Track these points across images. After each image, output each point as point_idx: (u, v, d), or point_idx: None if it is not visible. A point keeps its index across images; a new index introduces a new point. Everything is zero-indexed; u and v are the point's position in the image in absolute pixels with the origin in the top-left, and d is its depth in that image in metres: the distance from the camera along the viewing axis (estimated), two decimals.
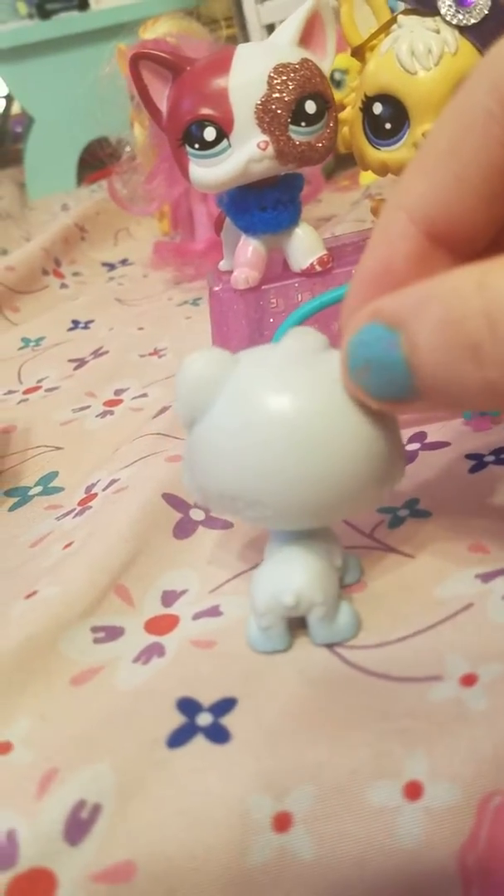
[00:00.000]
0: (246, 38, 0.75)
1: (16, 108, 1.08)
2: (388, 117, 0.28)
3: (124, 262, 0.65)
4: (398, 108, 0.28)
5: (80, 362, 0.48)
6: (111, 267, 0.65)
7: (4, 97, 1.06)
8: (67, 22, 0.86)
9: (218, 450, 0.22)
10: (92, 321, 0.54)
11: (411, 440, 0.32)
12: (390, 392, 0.19)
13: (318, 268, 0.31)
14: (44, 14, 0.88)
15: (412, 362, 0.17)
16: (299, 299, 0.32)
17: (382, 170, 0.29)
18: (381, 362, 0.18)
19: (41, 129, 0.88)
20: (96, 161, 0.87)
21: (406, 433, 0.32)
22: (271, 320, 0.32)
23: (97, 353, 0.49)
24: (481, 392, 0.17)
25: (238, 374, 0.22)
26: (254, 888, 0.18)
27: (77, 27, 0.85)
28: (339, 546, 0.24)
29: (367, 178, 0.69)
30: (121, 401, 0.42)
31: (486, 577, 0.23)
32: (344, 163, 0.72)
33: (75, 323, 0.54)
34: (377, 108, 0.28)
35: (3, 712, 0.22)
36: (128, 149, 0.69)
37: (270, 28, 0.72)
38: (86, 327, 0.54)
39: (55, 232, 0.64)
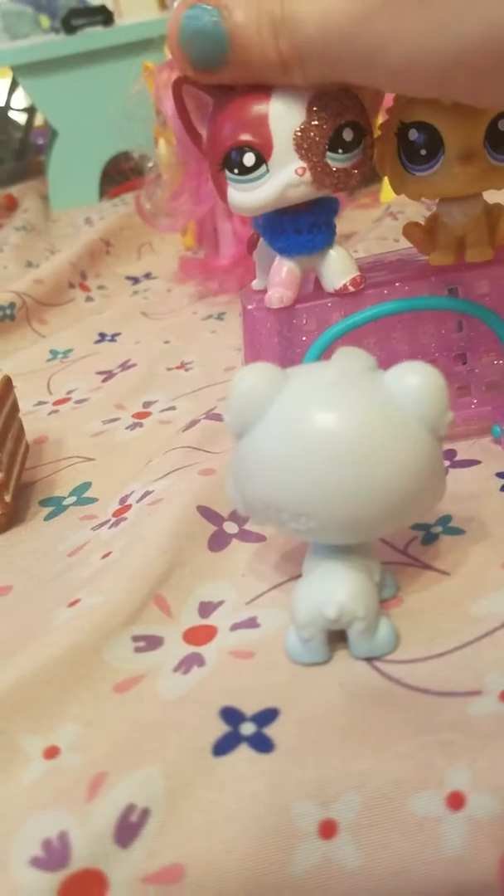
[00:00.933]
0: None
1: (38, 121, 1.10)
2: (424, 143, 0.29)
3: (148, 276, 0.66)
4: (434, 134, 0.29)
5: (109, 374, 0.49)
6: (135, 281, 0.65)
7: (27, 110, 1.08)
8: (92, 37, 0.88)
9: (266, 461, 0.22)
10: (119, 334, 0.55)
11: None
12: (209, 61, 0.25)
13: (351, 288, 0.32)
14: (69, 29, 0.89)
15: (231, 34, 0.24)
16: (334, 317, 0.33)
17: (417, 194, 0.30)
18: (207, 34, 0.24)
19: (65, 142, 0.89)
20: (119, 174, 0.89)
21: None
22: (304, 339, 0.33)
23: (125, 366, 0.49)
24: (276, 64, 0.25)
25: (289, 390, 0.23)
26: (299, 893, 0.18)
27: (101, 42, 0.87)
28: (377, 562, 0.24)
29: (387, 195, 0.70)
30: (149, 413, 0.43)
31: None
32: (365, 180, 0.73)
33: (102, 335, 0.55)
34: (412, 135, 0.29)
35: (51, 718, 0.23)
36: (150, 164, 0.70)
37: None
38: (112, 340, 0.54)
39: (81, 246, 0.65)
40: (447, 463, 0.32)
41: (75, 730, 0.22)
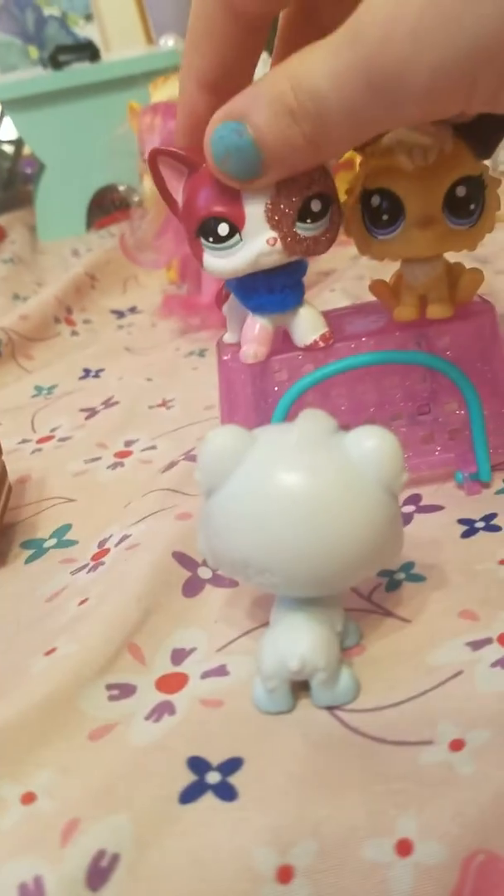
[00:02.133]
0: None
1: (26, 150, 1.11)
2: (385, 209, 0.30)
3: (133, 309, 0.68)
4: (394, 200, 0.30)
5: (92, 412, 0.50)
6: (120, 315, 0.67)
7: (14, 142, 1.09)
8: (79, 73, 0.90)
9: (232, 519, 0.24)
10: (102, 370, 0.56)
11: (407, 502, 0.34)
12: (249, 172, 0.26)
13: (321, 344, 0.33)
14: (56, 65, 0.91)
15: (258, 141, 0.25)
16: (305, 369, 0.34)
17: (380, 256, 0.32)
18: (236, 147, 0.25)
19: (52, 174, 0.91)
20: (107, 205, 0.90)
21: (401, 495, 0.35)
22: (276, 388, 0.35)
23: (108, 403, 0.51)
24: (306, 146, 0.25)
25: (256, 450, 0.24)
26: None
27: (88, 78, 0.89)
28: (341, 611, 0.26)
29: None
30: (131, 452, 0.44)
31: (476, 645, 0.25)
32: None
33: (86, 371, 0.57)
34: (375, 201, 0.30)
35: (27, 765, 0.24)
36: (136, 198, 0.71)
37: None
38: (97, 376, 0.56)
39: (67, 281, 0.67)
40: (412, 508, 0.34)
41: (50, 776, 0.24)
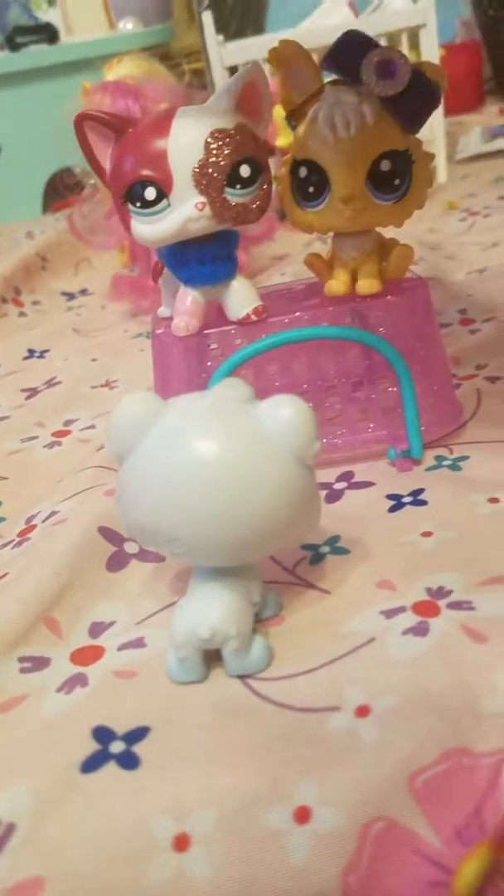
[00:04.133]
0: (210, 77, 0.77)
1: None
2: (312, 181, 0.30)
3: (83, 292, 0.67)
4: (320, 173, 0.30)
5: (33, 392, 0.49)
6: (70, 297, 0.66)
7: None
8: (37, 55, 0.89)
9: (141, 487, 0.23)
10: (48, 350, 0.56)
11: (339, 479, 0.34)
12: None
13: (253, 317, 0.33)
14: (13, 46, 0.90)
15: None
16: (237, 343, 0.34)
17: (308, 228, 0.31)
18: None
19: (8, 156, 0.90)
20: (62, 189, 0.89)
21: (335, 472, 0.34)
22: (209, 363, 0.34)
23: (50, 383, 0.50)
24: None
25: (165, 418, 0.24)
26: None
27: (46, 60, 0.87)
28: (259, 582, 0.25)
29: None
30: (69, 431, 0.44)
31: (390, 614, 0.25)
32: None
33: (31, 352, 0.56)
34: (302, 172, 0.30)
35: None
36: (91, 181, 0.70)
37: (233, 70, 0.74)
38: (41, 356, 0.55)
39: (16, 261, 0.66)
40: (344, 485, 0.33)
41: None
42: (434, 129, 0.74)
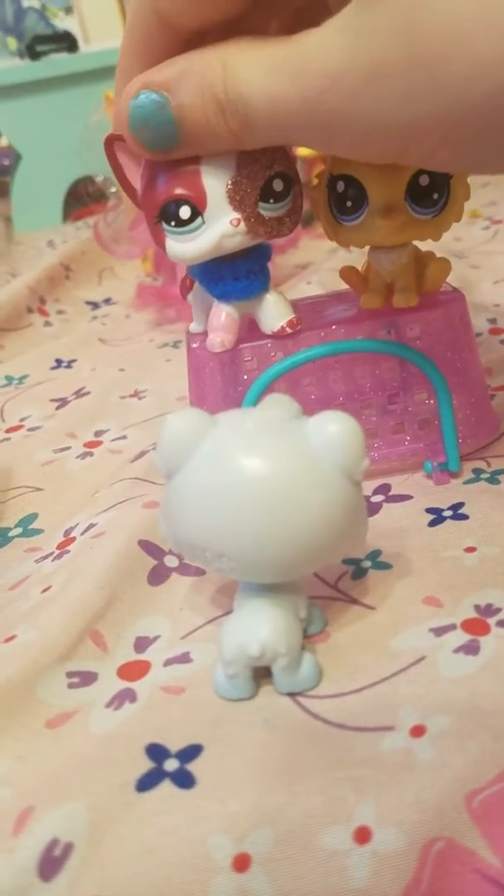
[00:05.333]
0: None
1: (2, 142, 1.10)
2: (350, 196, 0.30)
3: (108, 301, 0.67)
4: (358, 187, 0.30)
5: (62, 402, 0.49)
6: (95, 306, 0.66)
7: None
8: (57, 63, 0.89)
9: (190, 503, 0.23)
10: (75, 360, 0.56)
11: (376, 492, 0.34)
12: (162, 146, 0.26)
13: (288, 330, 0.33)
14: (34, 55, 0.90)
15: (179, 120, 0.25)
16: (273, 357, 0.34)
17: (346, 242, 0.31)
18: (156, 120, 0.25)
19: (29, 165, 0.90)
20: (83, 198, 0.90)
21: (371, 484, 0.34)
22: (245, 377, 0.34)
23: (79, 394, 0.50)
24: (228, 138, 0.25)
25: (215, 435, 0.24)
26: None
27: (66, 69, 0.88)
28: (304, 598, 0.26)
29: None
30: (101, 442, 0.44)
31: (439, 632, 0.25)
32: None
33: (59, 362, 0.56)
34: (340, 187, 0.30)
35: None
36: (113, 190, 0.71)
37: None
38: (69, 366, 0.55)
39: (41, 270, 0.66)
40: (381, 497, 0.33)
41: (7, 764, 0.23)
42: None
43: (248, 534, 0.22)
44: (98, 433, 0.45)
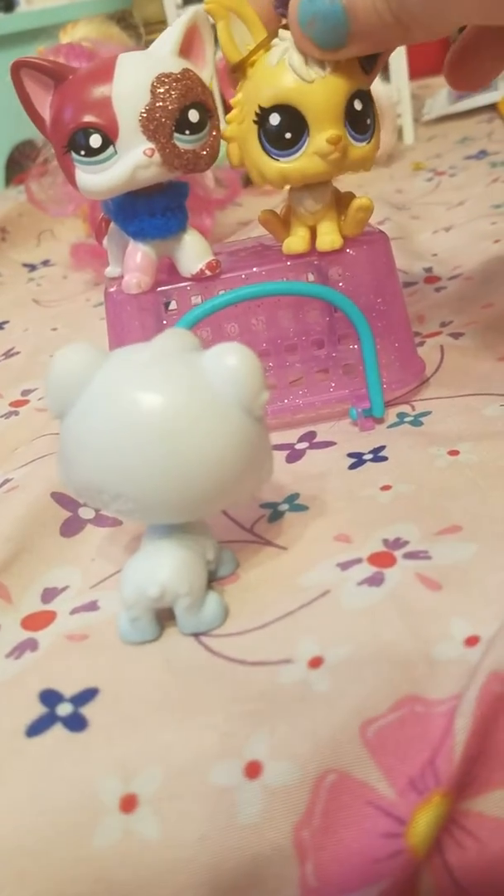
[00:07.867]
0: None
1: None
2: (288, 127, 0.29)
3: (46, 263, 0.65)
4: (296, 117, 0.28)
5: None
6: (32, 268, 0.65)
7: None
8: None
9: (82, 443, 0.22)
10: (7, 322, 0.54)
11: (301, 439, 0.33)
12: (332, 40, 0.26)
13: (207, 272, 0.32)
14: None
15: (349, 9, 0.25)
16: (193, 302, 0.33)
17: (281, 181, 0.30)
18: (325, 14, 0.25)
19: None
20: (25, 162, 0.87)
21: (297, 433, 0.34)
22: (164, 322, 0.33)
23: (8, 354, 0.49)
24: (394, 24, 0.25)
25: (106, 370, 0.23)
26: (101, 868, 0.18)
27: (2, 29, 0.85)
28: (212, 540, 0.25)
29: None
30: (27, 401, 0.42)
31: (345, 566, 0.24)
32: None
33: None
34: (274, 120, 0.29)
35: None
36: (52, 152, 0.68)
37: None
38: (0, 328, 0.54)
39: None
40: (305, 444, 0.33)
41: None
42: (400, 92, 0.73)
43: (144, 472, 0.21)
44: (25, 392, 0.43)
